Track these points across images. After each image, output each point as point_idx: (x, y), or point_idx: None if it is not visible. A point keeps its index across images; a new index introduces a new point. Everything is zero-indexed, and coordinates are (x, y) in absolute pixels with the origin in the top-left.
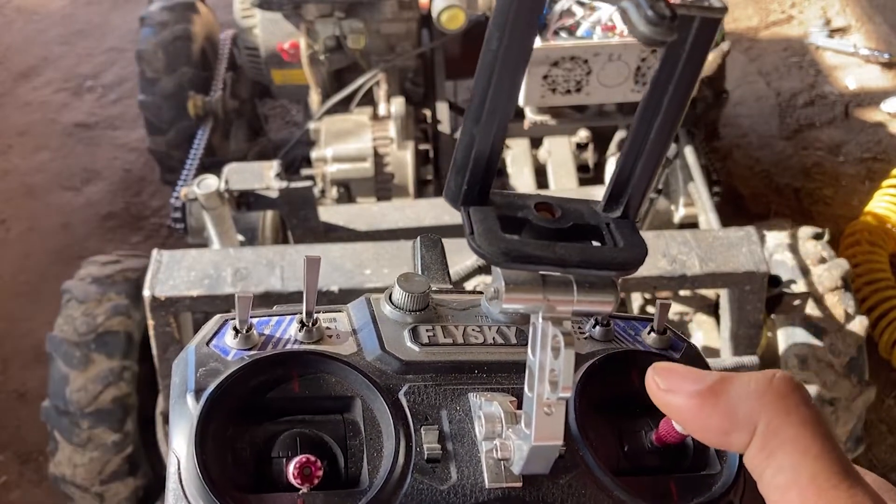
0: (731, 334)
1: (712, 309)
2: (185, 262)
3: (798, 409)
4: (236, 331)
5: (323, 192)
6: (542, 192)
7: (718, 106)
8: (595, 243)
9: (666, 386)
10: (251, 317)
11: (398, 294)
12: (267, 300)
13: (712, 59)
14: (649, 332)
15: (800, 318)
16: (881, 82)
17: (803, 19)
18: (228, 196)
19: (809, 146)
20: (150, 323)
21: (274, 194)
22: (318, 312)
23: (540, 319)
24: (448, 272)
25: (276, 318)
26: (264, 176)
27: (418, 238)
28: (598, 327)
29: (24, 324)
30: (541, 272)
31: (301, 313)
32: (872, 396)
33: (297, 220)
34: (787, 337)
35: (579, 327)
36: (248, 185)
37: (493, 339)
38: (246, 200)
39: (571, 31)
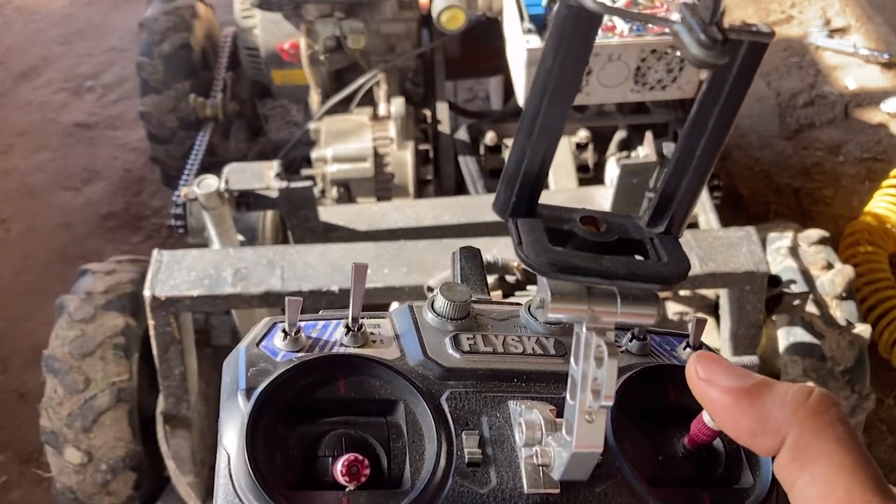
0: (731, 334)
1: (712, 309)
2: (186, 262)
3: (833, 426)
4: (285, 333)
5: (323, 192)
6: (587, 207)
7: None
8: (638, 257)
9: (705, 375)
10: (299, 320)
11: (440, 302)
12: (267, 300)
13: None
14: (685, 348)
15: (800, 319)
16: (881, 82)
17: (803, 19)
18: (228, 196)
19: (809, 146)
20: (151, 323)
21: (274, 194)
22: (362, 318)
23: (584, 329)
24: (486, 283)
25: (322, 322)
26: (264, 176)
27: (458, 249)
28: (634, 341)
29: (25, 324)
30: (586, 284)
31: (347, 318)
32: (872, 405)
33: (297, 220)
34: (786, 337)
35: (616, 341)
36: (248, 185)
37: (533, 349)
38: (246, 200)
39: None
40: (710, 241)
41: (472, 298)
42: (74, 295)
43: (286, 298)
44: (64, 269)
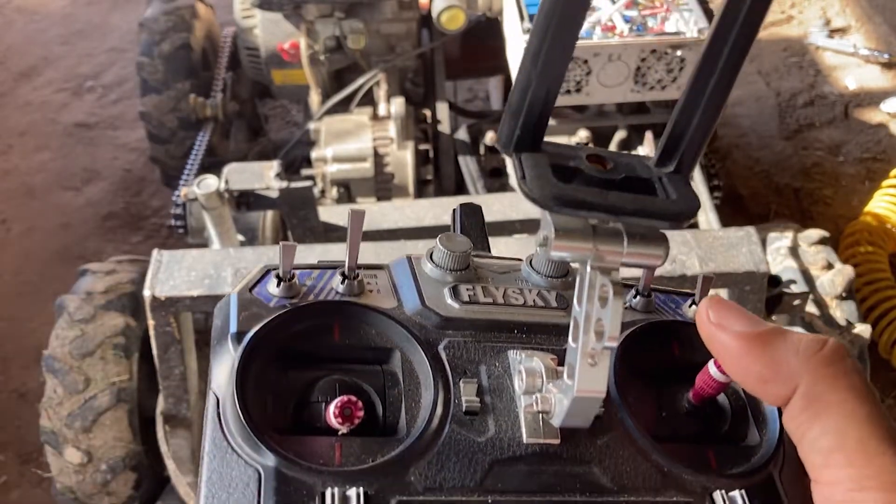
0: None
1: None
2: (186, 262)
3: (846, 376)
4: (279, 279)
5: (323, 192)
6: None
7: None
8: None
9: (717, 320)
10: (294, 268)
11: (439, 253)
12: None
13: None
14: (690, 306)
15: (800, 319)
16: (881, 82)
17: (803, 19)
18: (228, 196)
19: (809, 146)
20: (151, 323)
21: (274, 194)
22: (359, 269)
23: (588, 268)
24: (487, 239)
25: (318, 271)
26: (264, 176)
27: (458, 205)
28: (639, 298)
29: (25, 324)
30: (591, 221)
31: (343, 267)
32: None
33: (297, 220)
34: None
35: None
36: (248, 185)
37: (534, 301)
38: (246, 200)
39: None
40: (710, 241)
41: (472, 252)
42: (74, 295)
43: (280, 244)
44: (64, 269)
